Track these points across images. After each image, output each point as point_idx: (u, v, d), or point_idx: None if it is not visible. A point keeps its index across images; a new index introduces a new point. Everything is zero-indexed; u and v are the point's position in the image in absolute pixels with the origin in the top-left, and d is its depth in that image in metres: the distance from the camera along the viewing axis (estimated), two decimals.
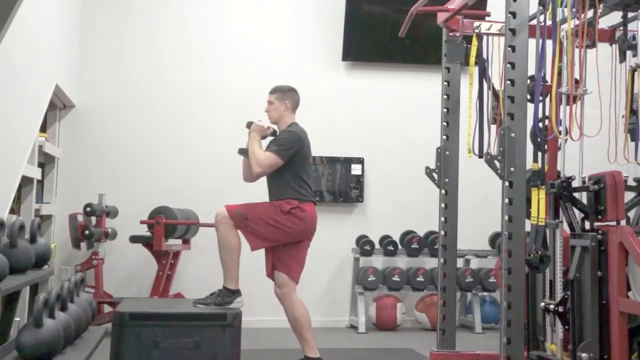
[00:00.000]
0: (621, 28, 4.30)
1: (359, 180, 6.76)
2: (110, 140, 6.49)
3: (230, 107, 6.44)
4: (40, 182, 5.91)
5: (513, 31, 3.65)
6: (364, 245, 6.45)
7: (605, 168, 3.81)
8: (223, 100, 6.61)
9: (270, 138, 4.34)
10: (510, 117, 3.63)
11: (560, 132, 3.89)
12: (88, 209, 5.86)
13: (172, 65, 6.63)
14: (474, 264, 6.70)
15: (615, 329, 3.48)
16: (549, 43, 3.84)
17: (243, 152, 4.31)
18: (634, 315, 3.55)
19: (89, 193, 6.13)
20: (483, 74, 4.66)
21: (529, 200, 3.74)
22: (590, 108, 4.11)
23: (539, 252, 3.63)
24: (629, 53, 4.28)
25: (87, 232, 5.79)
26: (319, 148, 6.68)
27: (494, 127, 4.44)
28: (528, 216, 3.75)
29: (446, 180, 4.73)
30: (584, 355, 3.48)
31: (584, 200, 3.89)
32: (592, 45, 4.15)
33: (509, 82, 3.65)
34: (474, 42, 4.65)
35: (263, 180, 4.30)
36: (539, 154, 3.92)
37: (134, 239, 5.94)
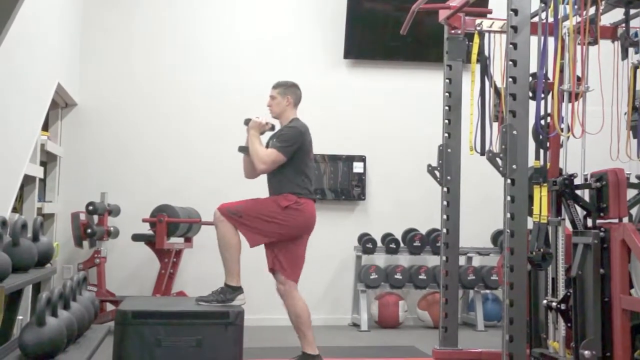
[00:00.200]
0: (623, 25, 4.30)
1: (361, 178, 6.76)
2: (113, 138, 6.50)
3: (232, 105, 6.44)
4: (43, 181, 5.92)
5: (515, 28, 3.64)
6: (366, 243, 6.45)
7: (607, 165, 3.81)
8: (224, 99, 6.61)
9: (269, 133, 4.33)
10: (512, 114, 3.63)
11: (562, 130, 3.89)
12: (90, 207, 5.86)
13: (174, 65, 6.64)
14: (476, 261, 6.70)
15: (618, 327, 3.48)
16: (551, 40, 3.84)
17: (243, 149, 4.30)
18: (636, 313, 3.55)
19: (91, 191, 6.13)
20: (485, 72, 4.66)
21: (531, 198, 3.74)
22: (592, 105, 4.11)
23: (541, 250, 3.63)
24: (631, 50, 4.27)
25: (89, 230, 5.79)
26: (320, 146, 6.67)
27: (495, 125, 4.44)
28: (530, 214, 3.75)
29: (448, 177, 4.73)
30: (586, 352, 3.48)
31: (586, 198, 3.89)
32: (594, 42, 4.15)
33: (510, 79, 3.65)
34: (476, 39, 4.65)
35: (263, 178, 4.30)
36: (541, 151, 3.92)
37: (136, 238, 5.94)
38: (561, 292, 3.77)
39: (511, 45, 3.65)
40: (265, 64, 6.66)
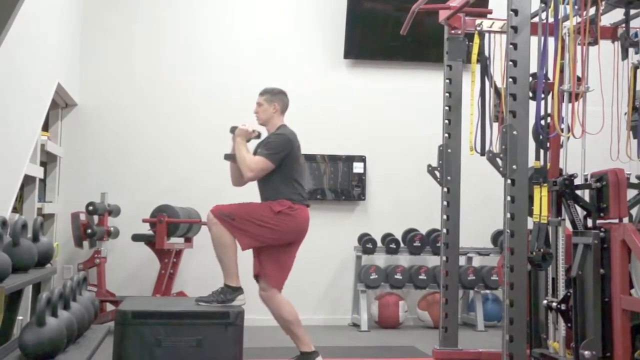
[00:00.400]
0: (623, 25, 4.30)
1: (361, 178, 6.76)
2: (113, 139, 6.50)
3: (232, 105, 6.44)
4: (43, 181, 5.92)
5: (515, 28, 3.64)
6: (366, 244, 6.45)
7: (607, 165, 3.81)
8: (224, 99, 6.61)
9: (256, 141, 4.31)
10: (512, 114, 3.63)
11: (562, 130, 3.89)
12: (90, 207, 5.86)
13: (174, 65, 6.64)
14: (476, 261, 6.70)
15: (618, 327, 3.48)
16: (551, 40, 3.84)
17: (230, 157, 4.27)
18: (636, 313, 3.55)
19: (91, 192, 6.13)
20: (485, 72, 4.66)
21: (531, 198, 3.73)
22: (593, 105, 4.11)
23: (542, 250, 3.63)
24: (631, 50, 4.27)
25: (89, 230, 5.79)
26: (320, 146, 6.73)
27: (495, 125, 4.44)
28: (530, 214, 3.75)
29: (448, 178, 4.73)
30: (586, 352, 3.48)
31: (587, 198, 3.89)
32: (594, 42, 4.15)
33: (510, 79, 3.65)
34: (476, 39, 4.65)
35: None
36: (541, 151, 3.92)
37: (136, 238, 5.94)
38: (561, 292, 3.77)
39: (511, 46, 3.65)
40: (265, 64, 6.66)
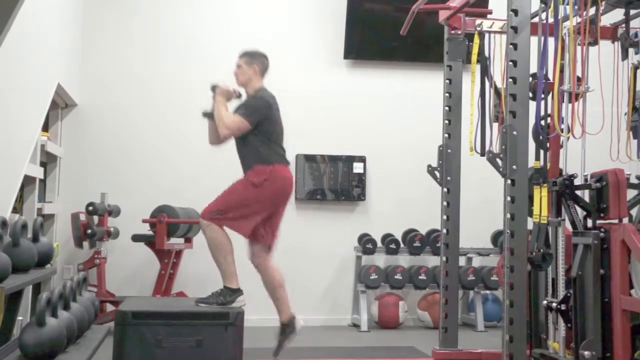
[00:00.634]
0: (623, 25, 4.30)
1: (361, 178, 6.76)
2: (113, 139, 6.49)
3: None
4: (43, 182, 5.92)
5: (515, 29, 3.64)
6: (366, 244, 6.45)
7: (607, 166, 3.81)
8: None
9: (236, 102, 4.26)
10: (512, 114, 3.63)
11: (562, 130, 3.89)
12: (90, 208, 5.86)
13: (174, 65, 6.63)
14: (476, 262, 6.70)
15: (618, 327, 3.48)
16: (551, 40, 3.84)
17: (208, 115, 4.24)
18: (636, 313, 3.55)
19: (91, 192, 6.13)
20: (485, 72, 4.66)
21: (531, 198, 3.74)
22: (593, 106, 4.11)
23: (541, 250, 3.63)
24: (631, 50, 4.27)
25: (89, 231, 5.79)
26: (320, 146, 6.74)
27: (495, 125, 4.44)
28: (530, 214, 3.75)
29: (448, 178, 4.73)
30: (586, 353, 3.48)
31: (586, 198, 3.89)
32: (594, 42, 4.16)
33: (510, 79, 3.65)
34: (476, 39, 4.65)
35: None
36: (541, 151, 3.92)
37: (136, 238, 5.94)
38: (561, 292, 3.77)
39: (511, 46, 3.65)
40: None
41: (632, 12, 4.27)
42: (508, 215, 3.61)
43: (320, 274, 6.60)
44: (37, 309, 2.63)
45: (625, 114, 4.33)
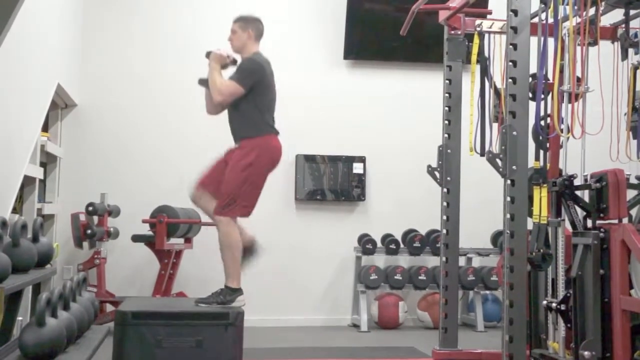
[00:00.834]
0: (623, 25, 4.30)
1: (361, 178, 6.76)
2: (112, 139, 6.50)
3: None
4: (43, 182, 5.92)
5: (515, 29, 3.64)
6: (366, 244, 6.45)
7: (607, 166, 3.81)
8: None
9: (232, 69, 4.21)
10: (512, 115, 3.63)
11: (562, 130, 3.89)
12: (90, 208, 5.86)
13: (174, 65, 6.63)
14: (476, 262, 6.70)
15: (618, 327, 3.48)
16: (551, 41, 3.84)
17: (203, 82, 4.19)
18: (636, 313, 3.55)
19: (91, 192, 6.13)
20: (485, 72, 4.66)
21: (530, 199, 3.74)
22: (592, 106, 4.11)
23: (541, 251, 3.63)
24: (631, 50, 4.27)
25: (89, 231, 5.79)
26: (320, 146, 6.74)
27: (495, 126, 4.44)
28: (530, 214, 3.75)
29: (448, 178, 4.73)
30: (586, 353, 3.48)
31: (586, 199, 3.89)
32: (594, 42, 4.15)
33: (510, 80, 3.65)
34: (476, 40, 4.65)
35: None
36: (541, 152, 3.92)
37: (136, 238, 5.94)
38: (561, 292, 3.77)
39: (511, 46, 3.65)
40: None
41: (632, 12, 4.27)
42: (508, 216, 3.61)
43: (320, 274, 6.61)
44: (37, 309, 2.63)
45: (625, 114, 4.33)
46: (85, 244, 5.90)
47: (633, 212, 4.09)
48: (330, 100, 6.77)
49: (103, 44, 6.56)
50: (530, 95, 3.87)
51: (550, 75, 3.93)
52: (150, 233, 5.86)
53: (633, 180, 4.02)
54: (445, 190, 4.74)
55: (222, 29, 6.72)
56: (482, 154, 4.39)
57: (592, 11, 4.02)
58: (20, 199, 5.10)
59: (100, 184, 6.26)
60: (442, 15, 4.74)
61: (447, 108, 4.79)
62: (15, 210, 4.77)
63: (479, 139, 4.60)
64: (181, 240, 6.19)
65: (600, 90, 4.11)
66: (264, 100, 4.12)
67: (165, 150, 6.58)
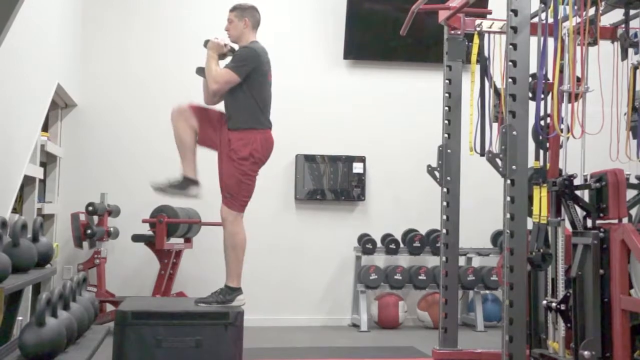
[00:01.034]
0: (623, 25, 4.30)
1: (361, 178, 6.76)
2: (112, 139, 6.49)
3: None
4: (43, 182, 5.92)
5: (514, 29, 3.64)
6: (365, 244, 6.45)
7: (607, 166, 3.81)
8: None
9: (230, 58, 4.20)
10: (512, 115, 3.63)
11: (562, 130, 3.89)
12: (90, 208, 5.86)
13: (174, 65, 6.62)
14: (476, 262, 6.70)
15: (618, 327, 3.48)
16: (551, 41, 3.85)
17: (200, 71, 4.19)
18: (636, 313, 3.55)
19: (91, 192, 6.13)
20: (484, 72, 4.66)
21: (530, 199, 3.74)
22: (592, 106, 4.11)
23: (541, 250, 3.63)
24: (630, 50, 4.27)
25: (89, 231, 5.79)
26: (320, 146, 6.74)
27: (495, 125, 4.44)
28: (530, 214, 3.75)
29: (448, 178, 4.73)
30: (586, 353, 3.48)
31: (586, 198, 3.89)
32: (594, 42, 4.15)
33: (510, 80, 3.65)
34: (476, 40, 4.65)
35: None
36: (541, 151, 3.92)
37: (136, 238, 5.94)
38: (561, 292, 3.77)
39: (511, 46, 3.66)
40: None
41: (632, 12, 4.27)
42: (508, 216, 3.61)
43: (320, 274, 6.60)
44: (37, 309, 2.63)
45: (625, 114, 4.33)
46: (85, 244, 5.90)
47: (633, 212, 4.09)
48: (330, 100, 6.77)
49: (103, 44, 6.56)
50: (530, 95, 3.87)
51: (550, 75, 3.93)
52: (150, 233, 5.86)
53: (633, 180, 4.02)
54: (445, 190, 4.74)
55: (222, 29, 6.77)
56: (482, 154, 4.39)
57: (592, 11, 4.02)
58: (20, 198, 5.10)
59: (100, 184, 6.26)
60: (442, 15, 4.74)
61: (447, 108, 4.79)
62: (15, 210, 4.77)
63: (479, 138, 4.60)
64: (181, 240, 6.19)
65: (600, 90, 4.11)
66: (262, 94, 4.12)
67: (166, 150, 6.57)
